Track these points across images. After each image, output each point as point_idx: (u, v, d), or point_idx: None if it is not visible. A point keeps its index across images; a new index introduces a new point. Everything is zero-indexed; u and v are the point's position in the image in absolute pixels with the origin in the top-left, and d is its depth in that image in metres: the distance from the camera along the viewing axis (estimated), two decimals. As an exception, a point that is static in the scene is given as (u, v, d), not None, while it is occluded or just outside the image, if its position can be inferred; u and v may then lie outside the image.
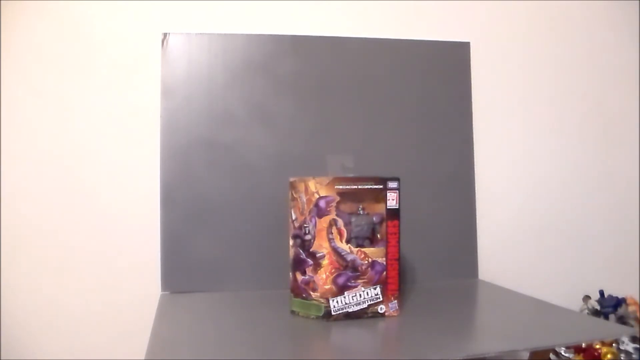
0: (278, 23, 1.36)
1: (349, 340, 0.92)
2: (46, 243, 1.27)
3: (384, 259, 1.01)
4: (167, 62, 1.27)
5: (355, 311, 1.00)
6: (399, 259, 1.03)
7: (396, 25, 1.42)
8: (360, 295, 1.00)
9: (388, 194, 1.01)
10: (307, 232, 1.00)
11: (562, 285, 1.51)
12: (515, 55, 1.50)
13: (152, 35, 1.30)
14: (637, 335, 1.25)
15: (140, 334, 1.08)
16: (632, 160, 1.59)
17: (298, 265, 1.02)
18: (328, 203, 0.98)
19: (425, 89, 1.39)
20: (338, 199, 0.99)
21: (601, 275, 1.53)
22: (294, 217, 1.03)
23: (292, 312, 1.04)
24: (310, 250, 0.99)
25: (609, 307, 1.38)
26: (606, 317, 1.38)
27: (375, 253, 1.01)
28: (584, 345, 1.25)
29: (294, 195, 1.03)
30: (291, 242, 1.04)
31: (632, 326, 1.35)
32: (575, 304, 1.46)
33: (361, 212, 1.00)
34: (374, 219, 1.01)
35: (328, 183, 0.98)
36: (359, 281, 1.00)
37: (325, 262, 0.98)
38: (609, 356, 1.23)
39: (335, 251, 0.99)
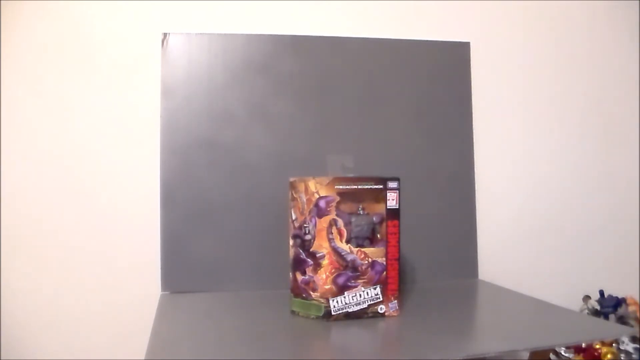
0: (278, 23, 1.36)
1: (349, 340, 0.92)
2: (46, 243, 1.27)
3: (384, 259, 1.01)
4: (167, 62, 1.27)
5: (355, 311, 1.00)
6: (399, 259, 1.03)
7: (396, 25, 1.42)
8: (360, 295, 1.00)
9: (388, 194, 1.01)
10: (307, 232, 1.00)
11: (562, 285, 1.51)
12: (515, 55, 1.50)
13: (152, 35, 1.30)
14: (637, 335, 1.25)
15: (140, 334, 1.08)
16: (632, 160, 1.59)
17: (298, 265, 1.02)
18: (328, 203, 0.98)
19: (425, 89, 1.39)
20: (338, 199, 0.99)
21: (601, 275, 1.53)
22: (294, 217, 1.03)
23: (292, 312, 1.04)
24: (310, 250, 0.99)
25: (609, 307, 1.38)
26: (606, 317, 1.38)
27: (375, 253, 1.01)
28: (584, 345, 1.25)
29: (294, 195, 1.03)
30: (291, 242, 1.04)
31: (632, 326, 1.35)
32: (575, 304, 1.46)
33: (361, 212, 1.00)
34: (374, 219, 1.01)
35: (328, 183, 0.98)
36: (359, 281, 1.00)
37: (325, 262, 0.98)
38: (609, 356, 1.23)
39: (335, 251, 0.99)
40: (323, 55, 1.34)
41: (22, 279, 1.26)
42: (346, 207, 0.99)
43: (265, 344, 0.89)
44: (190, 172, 1.26)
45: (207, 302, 1.16)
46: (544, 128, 1.52)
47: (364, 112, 1.35)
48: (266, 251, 1.26)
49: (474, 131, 1.42)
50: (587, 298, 1.45)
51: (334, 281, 0.99)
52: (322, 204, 0.98)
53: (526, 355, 1.35)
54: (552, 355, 1.29)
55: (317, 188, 0.98)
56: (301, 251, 1.01)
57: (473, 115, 1.42)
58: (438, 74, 1.40)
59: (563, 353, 1.27)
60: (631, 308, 1.38)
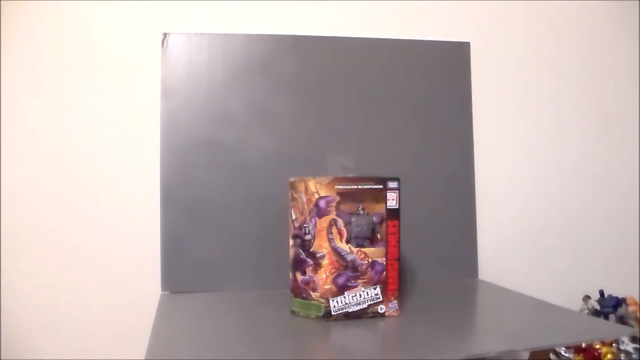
0: (278, 23, 1.36)
1: (349, 340, 0.92)
2: (46, 243, 1.27)
3: (384, 259, 1.01)
4: (167, 62, 1.27)
5: (355, 311, 1.00)
6: (399, 259, 1.02)
7: (396, 25, 1.42)
8: (360, 295, 1.00)
9: (388, 194, 1.01)
10: (307, 232, 1.00)
11: (562, 285, 1.51)
12: (515, 55, 1.50)
13: (152, 35, 1.30)
14: (637, 335, 1.25)
15: (140, 334, 1.08)
16: (632, 160, 1.59)
17: (298, 265, 1.02)
18: (328, 203, 0.98)
19: (425, 89, 1.39)
20: (338, 199, 0.99)
21: (601, 275, 1.53)
22: (294, 217, 1.03)
23: (292, 312, 1.04)
24: (310, 250, 0.99)
25: (609, 307, 1.38)
26: (606, 317, 1.38)
27: (375, 253, 1.01)
28: (584, 345, 1.25)
29: (294, 195, 1.03)
30: (291, 242, 1.04)
31: (632, 326, 1.35)
32: (575, 304, 1.46)
33: (361, 212, 1.00)
34: (374, 219, 1.01)
35: (328, 183, 0.98)
36: (359, 281, 1.00)
37: (325, 262, 0.98)
38: (609, 356, 1.23)
39: (335, 251, 0.99)
40: (323, 55, 1.34)
41: (22, 279, 1.26)
42: (346, 207, 0.99)
43: (265, 344, 0.89)
44: (190, 172, 1.26)
45: (207, 302, 1.16)
46: (544, 128, 1.52)
47: (364, 112, 1.35)
48: (266, 251, 1.26)
49: (474, 131, 1.42)
50: (587, 298, 1.45)
51: (334, 281, 0.99)
52: (322, 204, 0.98)
53: (526, 355, 1.35)
54: (552, 355, 1.29)
55: (317, 188, 0.98)
56: (301, 251, 1.01)
57: (473, 115, 1.42)
58: (438, 74, 1.40)
59: (563, 353, 1.27)
60: (631, 308, 1.38)
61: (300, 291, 1.02)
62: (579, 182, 1.55)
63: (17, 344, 1.25)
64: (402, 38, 1.39)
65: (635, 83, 1.59)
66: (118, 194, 1.29)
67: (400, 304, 1.05)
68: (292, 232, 1.04)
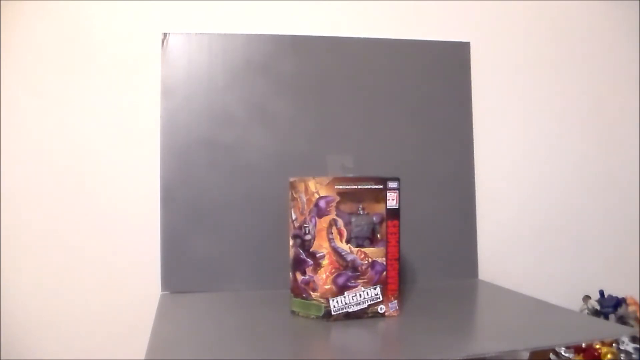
0: (278, 23, 1.36)
1: (349, 340, 0.92)
2: (46, 243, 1.27)
3: (384, 259, 1.01)
4: (167, 62, 1.27)
5: (355, 311, 1.00)
6: (399, 259, 1.02)
7: (396, 25, 1.42)
8: (360, 295, 1.00)
9: (388, 194, 1.01)
10: (307, 232, 1.00)
11: (562, 285, 1.51)
12: (515, 55, 1.50)
13: (152, 35, 1.30)
14: (637, 335, 1.25)
15: (140, 334, 1.08)
16: (632, 160, 1.59)
17: (298, 265, 1.02)
18: (328, 203, 0.98)
19: (425, 89, 1.39)
20: (338, 199, 0.99)
21: (601, 275, 1.53)
22: (294, 217, 1.03)
23: (292, 312, 1.04)
24: (310, 250, 0.99)
25: (609, 307, 1.38)
26: (606, 317, 1.38)
27: (375, 253, 1.01)
28: (584, 345, 1.25)
29: (294, 195, 1.03)
30: (291, 242, 1.04)
31: (632, 326, 1.35)
32: (575, 304, 1.46)
33: (361, 212, 1.00)
34: (374, 219, 1.01)
35: (328, 183, 0.98)
36: (359, 281, 1.00)
37: (325, 262, 0.98)
38: (609, 356, 1.23)
39: (335, 251, 0.99)
40: (323, 55, 1.34)
41: (22, 279, 1.26)
42: (346, 207, 0.99)
43: (265, 344, 0.89)
44: (190, 172, 1.26)
45: (207, 302, 1.16)
46: (544, 128, 1.52)
47: (364, 112, 1.35)
48: (266, 251, 1.26)
49: (474, 131, 1.42)
50: (587, 298, 1.45)
51: (334, 281, 0.99)
52: (322, 204, 0.98)
53: (526, 355, 1.35)
54: (552, 355, 1.29)
55: (317, 188, 0.98)
56: (301, 251, 1.01)
57: (473, 115, 1.42)
58: (438, 74, 1.40)
59: (563, 353, 1.27)
60: (631, 308, 1.38)
61: (300, 291, 1.02)
62: (579, 182, 1.55)
63: (17, 344, 1.25)
64: (402, 38, 1.39)
65: (635, 83, 1.59)
66: (118, 194, 1.29)
67: (400, 304, 1.05)
68: (292, 232, 1.04)
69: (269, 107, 1.31)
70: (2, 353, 1.23)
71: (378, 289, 1.01)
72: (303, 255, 1.01)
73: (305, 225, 1.00)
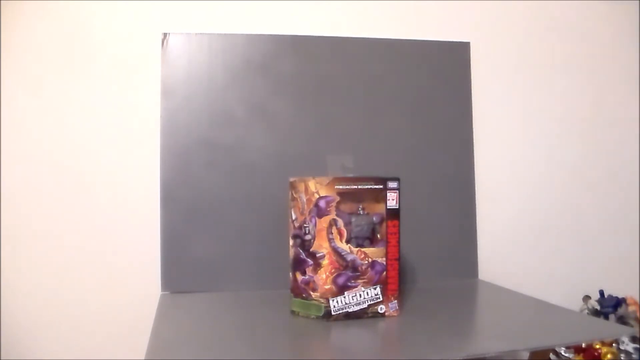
0: (278, 23, 1.36)
1: (349, 340, 0.92)
2: (46, 243, 1.27)
3: (384, 259, 1.01)
4: (167, 62, 1.27)
5: (355, 311, 1.00)
6: (399, 259, 1.02)
7: (396, 25, 1.42)
8: (360, 295, 1.00)
9: (388, 194, 1.01)
10: (307, 232, 1.00)
11: (562, 285, 1.51)
12: (515, 55, 1.50)
13: (152, 35, 1.30)
14: (637, 335, 1.25)
15: (140, 334, 1.08)
16: (632, 161, 1.59)
17: (298, 265, 1.02)
18: (328, 203, 0.98)
19: (425, 89, 1.39)
20: (338, 199, 0.99)
21: (601, 275, 1.53)
22: (294, 217, 1.03)
23: (292, 312, 1.04)
24: (310, 250, 0.99)
25: (609, 307, 1.38)
26: (606, 317, 1.38)
27: (375, 253, 1.01)
28: (584, 345, 1.25)
29: (294, 195, 1.03)
30: (291, 242, 1.04)
31: (632, 326, 1.35)
32: (575, 304, 1.46)
33: (361, 212, 1.00)
34: (374, 219, 1.01)
35: (328, 183, 0.98)
36: (359, 281, 1.00)
37: (325, 262, 0.98)
38: (609, 356, 1.23)
39: (335, 251, 0.99)
40: (323, 55, 1.34)
41: (22, 279, 1.26)
42: (346, 207, 0.99)
43: (265, 344, 0.89)
44: (190, 172, 1.26)
45: (207, 302, 1.16)
46: (544, 128, 1.52)
47: (364, 112, 1.35)
48: (266, 251, 1.26)
49: (474, 131, 1.42)
50: (587, 298, 1.45)
51: (334, 281, 0.99)
52: (322, 204, 0.98)
53: (526, 355, 1.35)
54: (552, 355, 1.29)
55: (317, 188, 0.98)
56: (301, 251, 1.01)
57: (473, 115, 1.42)
58: (438, 74, 1.40)
59: (563, 353, 1.27)
60: (631, 308, 1.38)
61: (300, 291, 1.02)
62: (579, 182, 1.55)
63: (17, 344, 1.25)
64: (402, 38, 1.39)
65: (635, 83, 1.59)
66: (118, 194, 1.29)
67: (400, 304, 1.05)
68: (292, 232, 1.04)
69: (269, 107, 1.31)
70: (2, 353, 1.23)
71: (378, 289, 1.01)
72: (303, 255, 1.01)
73: (305, 225, 1.00)
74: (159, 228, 1.25)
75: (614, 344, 1.26)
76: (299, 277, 1.02)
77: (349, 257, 0.99)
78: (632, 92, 1.59)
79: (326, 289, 0.99)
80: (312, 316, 1.01)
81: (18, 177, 1.26)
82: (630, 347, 1.25)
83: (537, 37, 1.51)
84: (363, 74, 1.36)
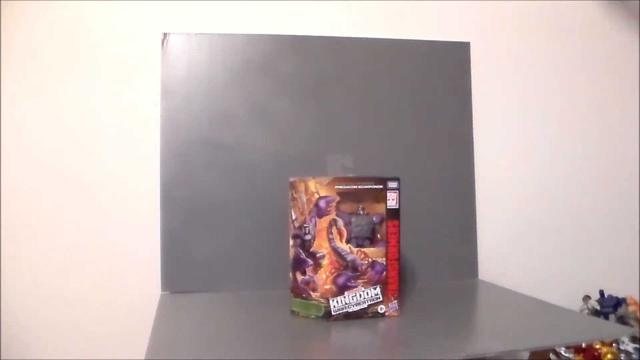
0: (278, 23, 1.36)
1: (349, 340, 0.92)
2: (46, 243, 1.27)
3: (384, 259, 1.01)
4: (167, 62, 1.27)
5: (355, 311, 1.00)
6: (399, 259, 1.02)
7: (396, 25, 1.42)
8: (360, 295, 1.00)
9: (388, 194, 1.01)
10: (307, 232, 1.00)
11: (562, 285, 1.51)
12: (515, 55, 1.50)
13: (152, 35, 1.30)
14: (637, 335, 1.25)
15: (140, 334, 1.08)
16: (632, 161, 1.59)
17: (298, 265, 1.02)
18: (328, 203, 0.98)
19: (425, 89, 1.39)
20: (338, 199, 0.99)
21: (601, 275, 1.53)
22: (294, 217, 1.03)
23: (292, 312, 1.04)
24: (310, 250, 0.99)
25: (609, 307, 1.38)
26: (606, 317, 1.38)
27: (375, 253, 1.01)
28: (584, 345, 1.25)
29: (294, 195, 1.03)
30: (291, 242, 1.04)
31: (632, 326, 1.35)
32: (575, 304, 1.46)
33: (361, 212, 1.00)
34: (374, 219, 1.01)
35: (328, 183, 0.98)
36: (359, 281, 1.00)
37: (325, 262, 0.98)
38: (609, 356, 1.23)
39: (335, 251, 0.99)
40: (323, 55, 1.34)
41: (22, 279, 1.26)
42: (346, 207, 0.99)
43: (265, 344, 0.89)
44: (190, 172, 1.26)
45: (207, 302, 1.16)
46: (544, 128, 1.52)
47: (364, 112, 1.35)
48: (266, 251, 1.26)
49: (474, 131, 1.42)
50: (587, 298, 1.45)
51: (334, 281, 0.99)
52: (322, 204, 0.98)
53: (526, 355, 1.35)
54: (552, 355, 1.29)
55: (317, 188, 0.98)
56: (301, 251, 1.01)
57: (473, 115, 1.42)
58: (438, 74, 1.40)
59: (563, 353, 1.27)
60: (631, 308, 1.38)
61: (300, 291, 1.02)
62: (579, 182, 1.55)
63: (17, 344, 1.25)
64: (402, 38, 1.39)
65: (635, 83, 1.58)
66: (118, 194, 1.29)
67: (400, 304, 1.05)
68: (292, 232, 1.04)
69: (269, 107, 1.31)
70: (2, 353, 1.23)
71: (378, 289, 1.01)
72: (303, 255, 1.01)
73: (305, 225, 1.00)
74: (159, 228, 1.25)
75: (614, 344, 1.26)
76: (299, 277, 1.02)
77: (349, 257, 0.99)
78: (632, 92, 1.59)
79: (326, 289, 0.99)
80: (312, 316, 1.01)
81: (18, 177, 1.26)
82: (630, 347, 1.25)
83: (537, 37, 1.51)
84: (363, 74, 1.36)
